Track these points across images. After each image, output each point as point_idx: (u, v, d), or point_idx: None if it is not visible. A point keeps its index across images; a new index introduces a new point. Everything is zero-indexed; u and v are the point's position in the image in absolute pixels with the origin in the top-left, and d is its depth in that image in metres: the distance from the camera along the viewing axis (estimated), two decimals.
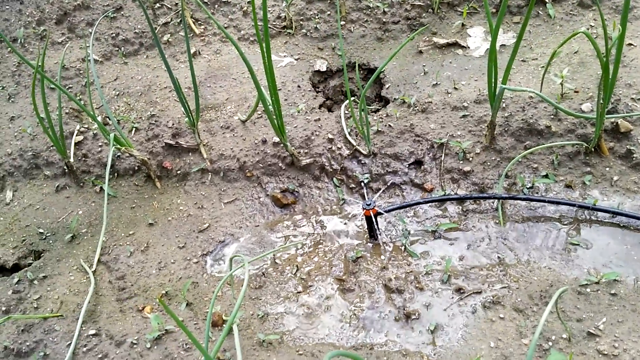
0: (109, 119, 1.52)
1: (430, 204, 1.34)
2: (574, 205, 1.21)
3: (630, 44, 1.55)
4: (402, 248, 1.27)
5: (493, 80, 1.25)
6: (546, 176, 1.31)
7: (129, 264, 1.37)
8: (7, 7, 2.15)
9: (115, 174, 1.61)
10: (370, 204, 1.22)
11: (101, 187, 1.58)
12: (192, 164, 1.55)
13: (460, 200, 1.31)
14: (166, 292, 1.29)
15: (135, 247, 1.41)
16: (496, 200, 1.29)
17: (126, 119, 1.69)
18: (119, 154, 1.60)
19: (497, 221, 1.27)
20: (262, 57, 1.21)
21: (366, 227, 1.29)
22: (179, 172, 1.56)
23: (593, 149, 1.31)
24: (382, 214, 1.26)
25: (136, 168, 1.59)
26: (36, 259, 1.47)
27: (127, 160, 1.59)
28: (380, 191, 1.37)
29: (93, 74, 1.46)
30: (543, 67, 1.57)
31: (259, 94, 1.28)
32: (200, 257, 1.36)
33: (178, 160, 1.58)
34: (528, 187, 1.30)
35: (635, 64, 1.49)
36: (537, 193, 1.30)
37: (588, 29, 1.65)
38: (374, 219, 1.22)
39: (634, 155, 1.28)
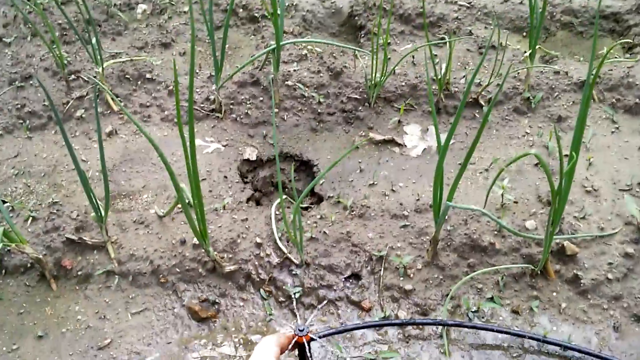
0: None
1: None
2: (523, 336, 1.12)
3: (566, 155, 1.54)
4: None
5: (438, 196, 1.16)
6: (492, 299, 1.22)
7: None
8: None
9: (3, 272, 1.37)
10: (303, 329, 1.06)
11: None
12: (97, 265, 1.34)
13: (403, 325, 1.18)
14: None
15: None
16: (439, 327, 1.18)
17: (22, 206, 1.47)
18: (8, 248, 1.36)
19: (442, 350, 1.15)
20: (183, 145, 1.06)
21: (297, 354, 1.11)
22: (80, 272, 1.35)
23: (539, 272, 1.24)
24: (315, 339, 1.10)
25: (28, 265, 1.36)
26: None
27: (18, 255, 1.36)
28: (315, 312, 1.22)
29: None
30: (481, 172, 1.52)
31: (177, 190, 1.11)
32: None
33: (80, 259, 1.37)
34: (473, 310, 1.20)
35: (575, 177, 1.46)
36: (482, 317, 1.20)
37: (524, 135, 1.64)
38: (307, 347, 1.05)
39: (581, 280, 1.21)
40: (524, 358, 1.13)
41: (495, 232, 1.31)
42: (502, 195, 1.38)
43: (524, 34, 1.99)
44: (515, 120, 1.69)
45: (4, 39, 2.02)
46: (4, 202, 1.50)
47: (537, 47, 1.65)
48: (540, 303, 1.21)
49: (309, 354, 1.09)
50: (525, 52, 1.68)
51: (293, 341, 1.05)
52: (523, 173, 1.51)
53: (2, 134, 1.73)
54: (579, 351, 1.08)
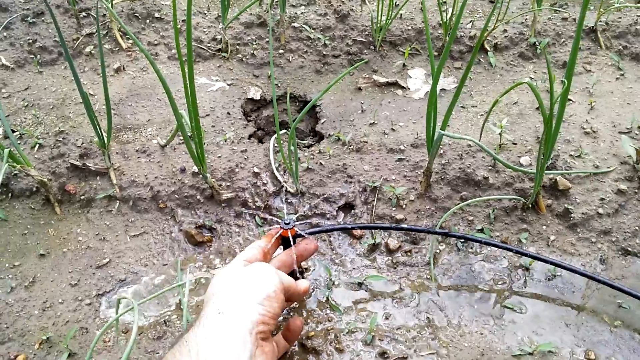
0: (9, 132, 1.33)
1: (359, 253, 1.23)
2: (511, 250, 1.11)
3: (569, 99, 1.53)
4: (325, 300, 1.14)
5: (432, 124, 1.17)
6: (481, 230, 1.23)
7: (7, 302, 1.18)
8: None
9: (9, 195, 1.41)
10: (289, 223, 1.04)
11: None
12: (99, 190, 1.38)
13: (394, 230, 1.20)
14: (47, 337, 1.10)
15: (18, 282, 1.22)
16: (428, 254, 1.20)
17: (30, 134, 1.51)
18: (15, 172, 1.40)
19: (429, 276, 1.17)
20: (183, 78, 1.08)
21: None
22: (83, 197, 1.38)
23: (530, 205, 1.25)
24: (303, 236, 1.08)
25: (34, 189, 1.40)
26: None
27: (24, 179, 1.40)
28: (299, 213, 1.22)
29: None
30: (482, 115, 1.52)
31: (177, 118, 1.14)
32: (94, 298, 1.19)
33: (83, 184, 1.40)
34: (462, 241, 1.22)
35: (574, 119, 1.46)
36: (471, 248, 1.22)
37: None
38: (292, 242, 1.04)
39: (572, 215, 1.22)
40: (508, 287, 1.15)
41: (490, 167, 1.32)
42: (500, 135, 1.38)
43: None
44: (520, 66, 1.68)
45: None
46: (13, 131, 1.54)
47: None
48: (529, 235, 1.22)
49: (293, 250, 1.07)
50: None
51: (277, 234, 1.03)
52: (524, 116, 1.51)
53: (14, 68, 1.77)
54: (567, 269, 1.07)
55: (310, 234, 1.08)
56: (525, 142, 1.41)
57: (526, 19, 1.76)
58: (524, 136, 1.43)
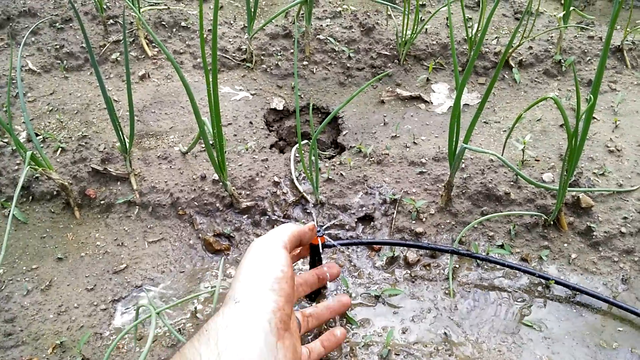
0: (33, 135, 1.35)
1: (377, 265, 1.22)
2: (533, 274, 1.11)
3: (593, 117, 1.51)
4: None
5: (454, 137, 1.16)
6: (502, 246, 1.22)
7: (22, 305, 1.19)
8: None
9: (30, 198, 1.43)
10: (319, 231, 1.04)
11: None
12: (119, 195, 1.39)
13: (416, 248, 1.19)
14: (61, 342, 1.10)
15: (35, 285, 1.23)
16: (447, 268, 1.18)
17: (52, 138, 1.53)
18: (37, 175, 1.42)
19: (447, 291, 1.16)
20: (207, 86, 1.09)
21: (308, 263, 1.12)
22: (102, 202, 1.40)
23: (552, 222, 1.23)
24: (334, 245, 1.10)
25: (55, 193, 1.42)
26: None
27: (45, 183, 1.42)
28: (330, 223, 1.23)
29: (18, 84, 1.30)
30: (505, 131, 1.51)
31: (199, 124, 1.15)
32: (109, 304, 1.19)
33: (104, 189, 1.42)
34: (482, 256, 1.20)
35: (598, 137, 1.44)
36: (490, 264, 1.20)
37: None
38: (320, 250, 1.05)
39: (594, 233, 1.20)
40: (528, 304, 1.12)
41: (512, 183, 1.30)
42: (523, 151, 1.37)
43: (562, 1, 1.95)
44: (544, 83, 1.67)
45: None
46: (37, 134, 1.56)
47: (572, 9, 1.62)
48: (550, 253, 1.20)
49: (321, 261, 1.09)
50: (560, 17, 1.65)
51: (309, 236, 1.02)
52: (547, 133, 1.49)
53: (40, 73, 1.80)
54: (586, 293, 1.06)
55: (341, 244, 1.10)
56: (548, 159, 1.39)
57: (552, 36, 1.75)
58: (547, 153, 1.41)
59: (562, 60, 1.67)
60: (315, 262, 1.10)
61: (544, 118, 1.54)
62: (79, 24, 1.22)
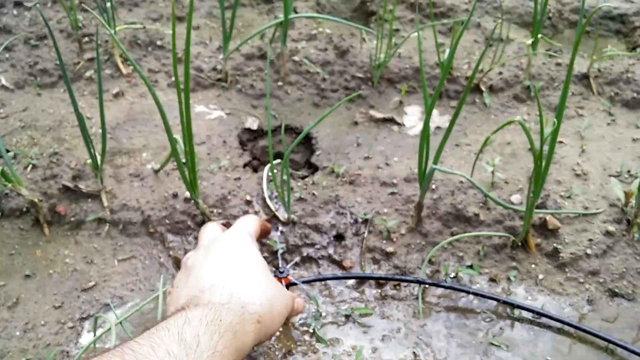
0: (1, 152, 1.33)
1: (348, 284, 1.22)
2: (498, 300, 1.13)
3: (560, 142, 1.55)
4: (311, 332, 1.13)
5: (424, 159, 1.18)
6: (471, 267, 1.23)
7: None
8: None
9: None
10: (283, 272, 1.08)
11: None
12: (89, 212, 1.38)
13: (383, 280, 1.20)
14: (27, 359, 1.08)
15: (1, 302, 1.20)
16: (417, 287, 1.19)
17: (23, 154, 1.51)
18: (6, 191, 1.40)
19: (417, 311, 1.16)
20: (179, 104, 1.10)
21: None
22: (73, 219, 1.38)
23: (520, 243, 1.25)
24: (296, 284, 1.13)
25: (24, 209, 1.40)
26: None
27: (15, 199, 1.40)
28: (294, 261, 1.24)
29: None
30: (476, 153, 1.53)
31: (171, 142, 1.15)
32: (77, 321, 1.17)
33: (74, 206, 1.40)
34: (451, 276, 1.22)
35: (565, 161, 1.47)
36: (460, 283, 1.21)
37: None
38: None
39: (561, 254, 1.22)
40: (496, 324, 1.14)
41: (481, 205, 1.32)
42: (493, 173, 1.39)
43: (532, 29, 2.01)
44: (514, 107, 1.71)
45: (24, 4, 2.08)
46: (8, 150, 1.54)
47: (540, 36, 1.67)
48: (518, 273, 1.22)
49: None
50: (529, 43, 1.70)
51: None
52: (517, 156, 1.52)
53: (14, 89, 1.79)
54: (551, 318, 1.09)
55: (304, 282, 1.13)
56: (517, 181, 1.42)
57: (521, 62, 1.80)
58: (516, 175, 1.44)
59: (531, 86, 1.71)
60: None
61: (514, 141, 1.57)
62: (52, 41, 1.22)
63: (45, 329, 1.16)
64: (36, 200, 1.35)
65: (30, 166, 1.48)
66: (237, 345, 0.73)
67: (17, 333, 1.15)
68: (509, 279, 1.21)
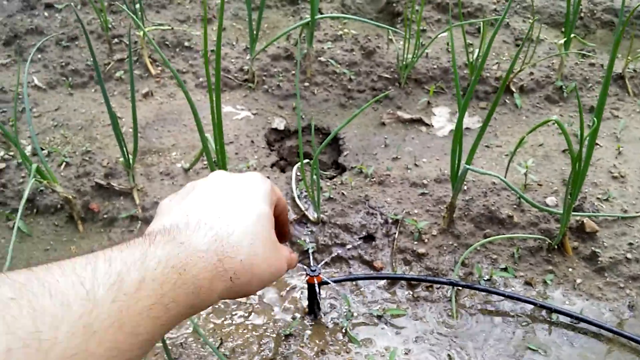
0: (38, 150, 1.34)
1: (379, 285, 1.21)
2: (534, 304, 1.11)
3: (597, 144, 1.52)
4: (343, 332, 1.12)
5: (456, 159, 1.16)
6: (505, 269, 1.21)
7: None
8: None
9: (35, 210, 1.42)
10: (315, 270, 1.06)
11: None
12: (122, 209, 1.39)
13: (415, 281, 1.19)
14: None
15: None
16: (450, 289, 1.17)
17: (57, 152, 1.53)
18: (41, 188, 1.42)
19: (450, 313, 1.15)
20: (210, 103, 1.10)
21: (306, 298, 1.13)
22: (106, 216, 1.39)
23: (556, 247, 1.22)
24: (328, 283, 1.11)
25: (59, 206, 1.41)
26: None
27: (49, 196, 1.41)
28: (325, 261, 1.23)
29: (25, 100, 1.31)
30: (507, 155, 1.51)
31: (203, 142, 1.15)
32: None
33: (107, 203, 1.41)
34: (485, 279, 1.20)
35: (601, 163, 1.44)
36: (494, 286, 1.19)
37: (554, 123, 1.62)
38: (317, 289, 1.07)
39: (599, 258, 1.20)
40: (532, 328, 1.11)
41: (515, 206, 1.30)
42: (526, 175, 1.37)
43: (562, 29, 1.98)
44: (546, 109, 1.68)
45: (55, 5, 2.11)
46: (42, 148, 1.56)
47: (572, 36, 1.64)
48: (554, 277, 1.19)
49: (318, 299, 1.11)
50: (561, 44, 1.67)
51: (305, 278, 1.04)
52: (550, 158, 1.50)
53: (46, 89, 1.81)
54: (590, 323, 1.06)
55: (336, 281, 1.12)
56: (550, 183, 1.39)
57: (553, 63, 1.77)
58: (550, 178, 1.41)
59: (564, 87, 1.69)
60: (314, 302, 1.12)
61: (546, 143, 1.55)
62: (87, 42, 1.23)
63: None
64: (70, 197, 1.36)
65: (64, 164, 1.50)
66: (194, 302, 0.55)
67: None
68: (545, 282, 1.19)
